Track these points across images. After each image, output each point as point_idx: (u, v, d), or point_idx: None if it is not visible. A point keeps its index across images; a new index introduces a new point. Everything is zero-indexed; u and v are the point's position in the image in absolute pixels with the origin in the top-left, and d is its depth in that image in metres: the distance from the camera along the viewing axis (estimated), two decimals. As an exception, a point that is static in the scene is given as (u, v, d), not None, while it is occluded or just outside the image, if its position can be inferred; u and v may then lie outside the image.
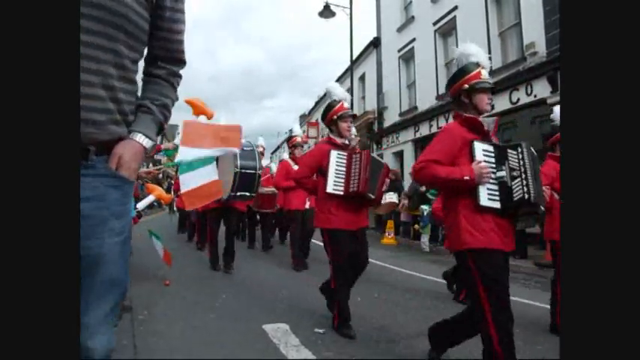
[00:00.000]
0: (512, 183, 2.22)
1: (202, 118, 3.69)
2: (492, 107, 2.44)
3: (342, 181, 3.31)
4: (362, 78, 18.76)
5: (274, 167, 7.86)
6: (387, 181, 3.61)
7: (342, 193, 3.29)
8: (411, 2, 14.69)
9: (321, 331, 3.22)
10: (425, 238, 9.25)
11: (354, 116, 3.92)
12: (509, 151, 2.29)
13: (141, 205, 4.22)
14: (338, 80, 21.85)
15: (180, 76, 1.44)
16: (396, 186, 9.01)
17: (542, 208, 2.35)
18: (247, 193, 4.51)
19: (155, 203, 4.84)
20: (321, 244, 3.54)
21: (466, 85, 2.37)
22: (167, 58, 1.38)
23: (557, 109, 3.46)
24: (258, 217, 8.72)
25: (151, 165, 6.53)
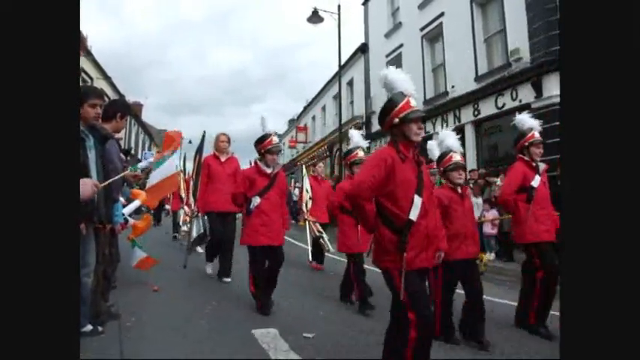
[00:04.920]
0: None
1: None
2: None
3: None
4: (350, 83, 18.85)
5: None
6: None
7: None
8: (398, 8, 14.86)
9: (310, 335, 3.22)
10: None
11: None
12: None
13: (127, 210, 4.16)
14: (326, 85, 21.90)
15: None
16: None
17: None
18: None
19: (143, 209, 4.77)
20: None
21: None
22: None
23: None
24: None
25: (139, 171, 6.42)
